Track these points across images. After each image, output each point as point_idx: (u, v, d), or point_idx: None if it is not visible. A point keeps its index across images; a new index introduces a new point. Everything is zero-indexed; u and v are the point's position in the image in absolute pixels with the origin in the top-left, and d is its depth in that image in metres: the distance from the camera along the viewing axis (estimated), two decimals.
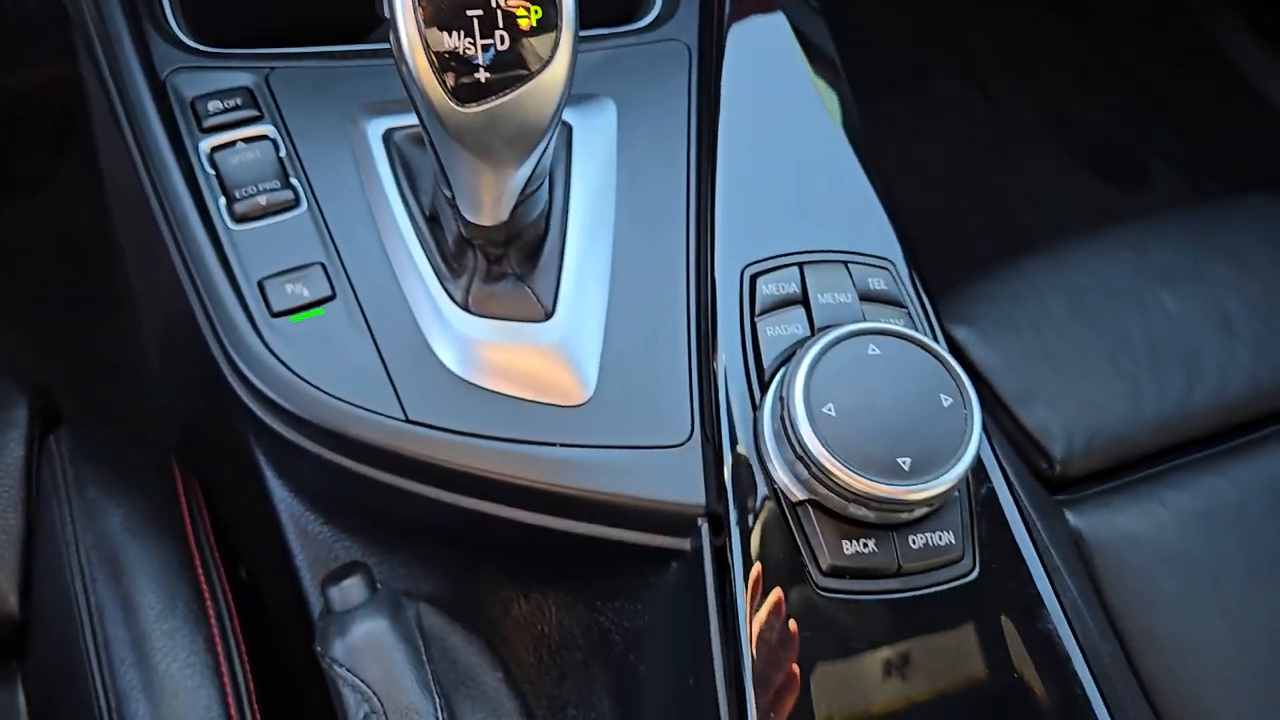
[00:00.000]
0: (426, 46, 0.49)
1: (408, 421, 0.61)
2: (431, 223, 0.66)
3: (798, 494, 0.57)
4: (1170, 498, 0.89)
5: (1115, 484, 0.91)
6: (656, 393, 0.63)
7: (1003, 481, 0.61)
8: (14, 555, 0.76)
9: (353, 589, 0.60)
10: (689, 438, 0.61)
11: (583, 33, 0.76)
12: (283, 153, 0.67)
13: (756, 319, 0.63)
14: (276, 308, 0.63)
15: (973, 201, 1.61)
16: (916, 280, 0.67)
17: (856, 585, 0.56)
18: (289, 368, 0.61)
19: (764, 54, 0.77)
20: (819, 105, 0.75)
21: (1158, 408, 0.93)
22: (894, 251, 0.67)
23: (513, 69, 0.51)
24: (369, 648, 0.58)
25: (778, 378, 0.59)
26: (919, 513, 0.56)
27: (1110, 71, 1.75)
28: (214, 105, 0.68)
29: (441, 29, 0.49)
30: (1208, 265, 1.01)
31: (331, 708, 0.61)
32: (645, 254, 0.67)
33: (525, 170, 0.56)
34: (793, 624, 0.55)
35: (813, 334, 0.61)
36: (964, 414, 0.55)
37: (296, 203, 0.66)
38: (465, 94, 0.50)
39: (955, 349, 0.96)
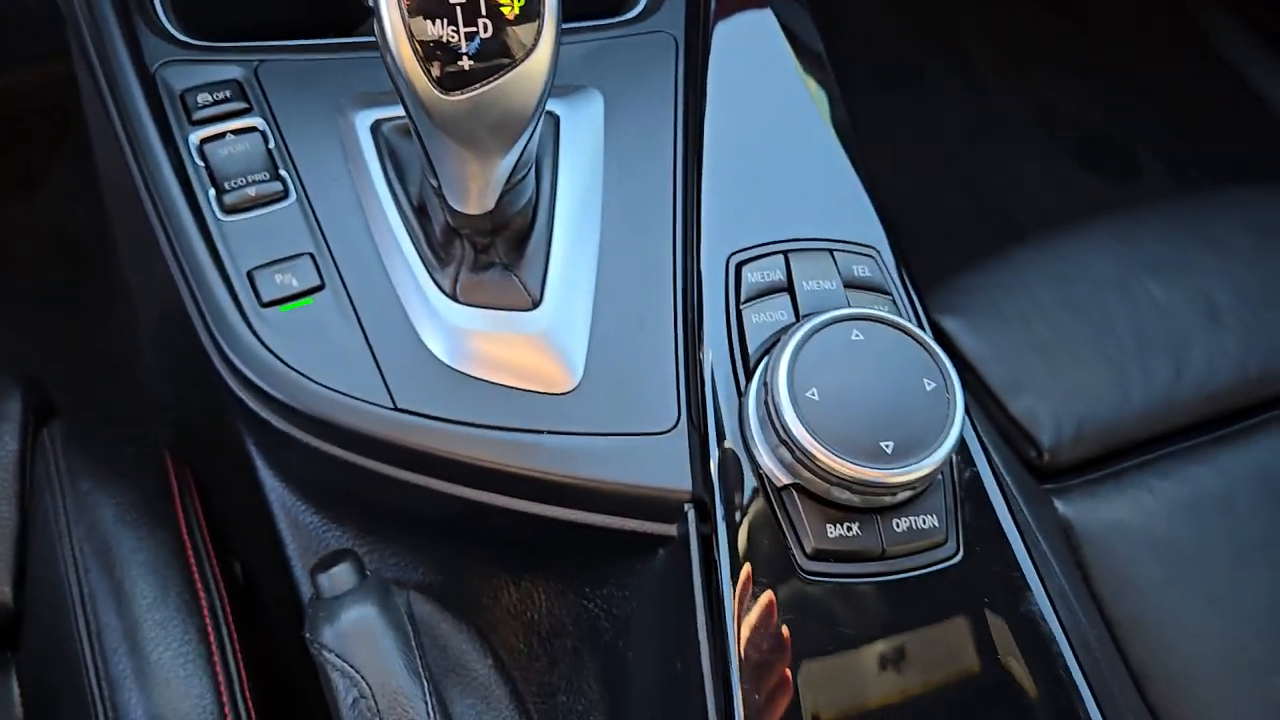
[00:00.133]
0: (410, 35, 0.50)
1: (396, 410, 0.61)
2: (419, 213, 0.66)
3: (782, 478, 0.57)
4: (1158, 486, 0.90)
5: (1103, 473, 0.91)
6: (643, 380, 0.63)
7: (987, 466, 0.62)
8: (8, 547, 0.76)
9: (341, 575, 0.61)
10: (675, 424, 0.62)
11: (570, 25, 0.77)
12: (272, 144, 0.68)
13: (742, 306, 0.64)
14: (266, 298, 0.63)
15: (964, 194, 1.62)
16: (901, 267, 0.68)
17: (841, 568, 0.56)
18: (278, 357, 0.62)
19: (750, 46, 0.77)
20: (805, 96, 0.75)
21: (1145, 397, 0.94)
22: (879, 239, 0.68)
23: (496, 57, 0.51)
24: (357, 633, 0.58)
25: (762, 364, 0.59)
26: (902, 496, 0.56)
27: (1100, 66, 1.76)
28: (203, 98, 0.68)
29: (425, 17, 0.50)
30: (1195, 255, 1.01)
31: (323, 697, 0.61)
32: (632, 243, 0.68)
33: (510, 159, 0.56)
34: (777, 607, 0.56)
35: (797, 321, 0.62)
36: (947, 398, 0.56)
37: (285, 194, 0.66)
38: (450, 82, 0.51)
39: (944, 339, 0.96)
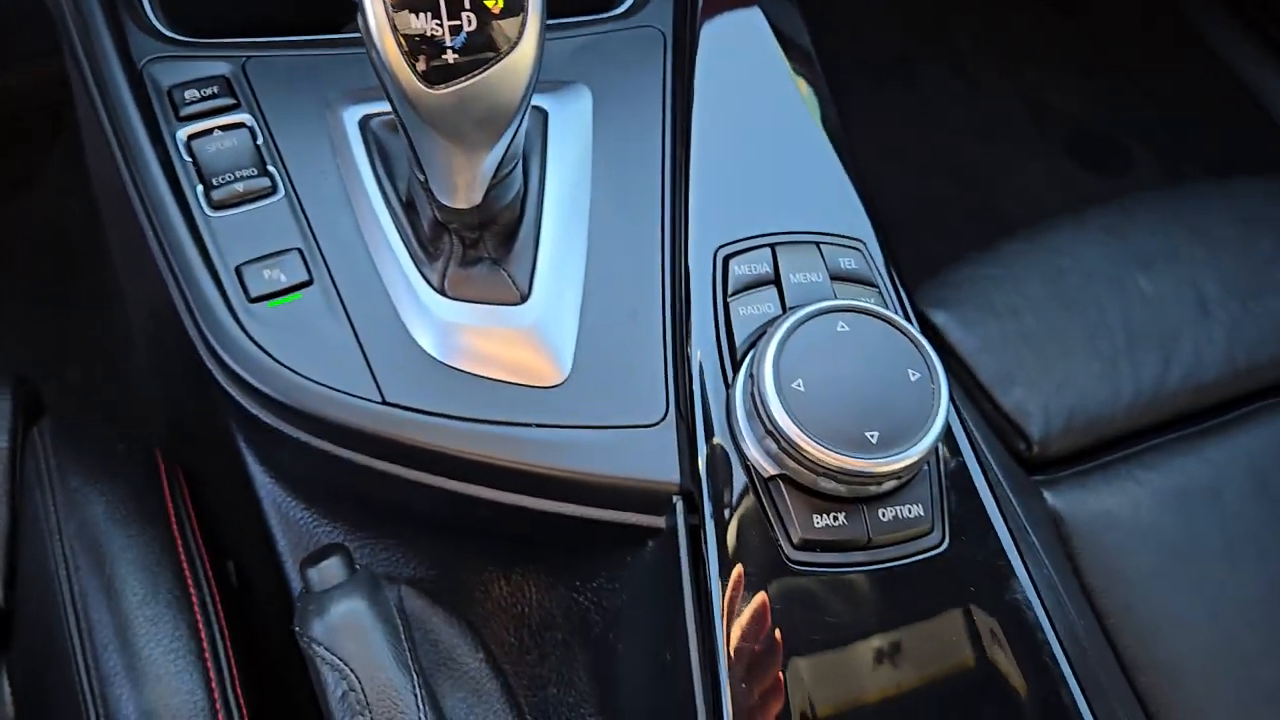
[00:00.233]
0: (395, 29, 0.50)
1: (385, 404, 0.61)
2: (408, 208, 0.66)
3: (769, 469, 0.57)
4: (1147, 477, 0.90)
5: (1092, 464, 0.92)
6: (632, 373, 0.63)
7: (973, 456, 0.62)
8: None
9: (331, 569, 0.61)
10: (664, 417, 0.62)
11: (559, 20, 0.78)
12: (260, 140, 0.68)
13: (729, 299, 0.64)
14: (254, 293, 0.63)
15: (955, 188, 1.62)
16: (888, 260, 0.68)
17: (827, 558, 0.57)
18: (267, 352, 0.62)
19: (738, 41, 0.77)
20: (792, 91, 0.76)
21: (1135, 388, 0.94)
22: (865, 232, 0.68)
23: (481, 51, 0.51)
24: (346, 626, 0.58)
25: (749, 356, 0.60)
26: (888, 486, 0.57)
27: (1092, 59, 1.76)
28: (191, 94, 0.69)
29: (409, 11, 0.50)
30: (1184, 247, 1.01)
31: (314, 691, 0.61)
32: (621, 237, 0.68)
33: (497, 152, 0.56)
34: (765, 597, 0.56)
35: (784, 313, 0.62)
36: (931, 388, 0.56)
37: (274, 190, 0.66)
38: (435, 76, 0.51)
39: (935, 332, 0.96)
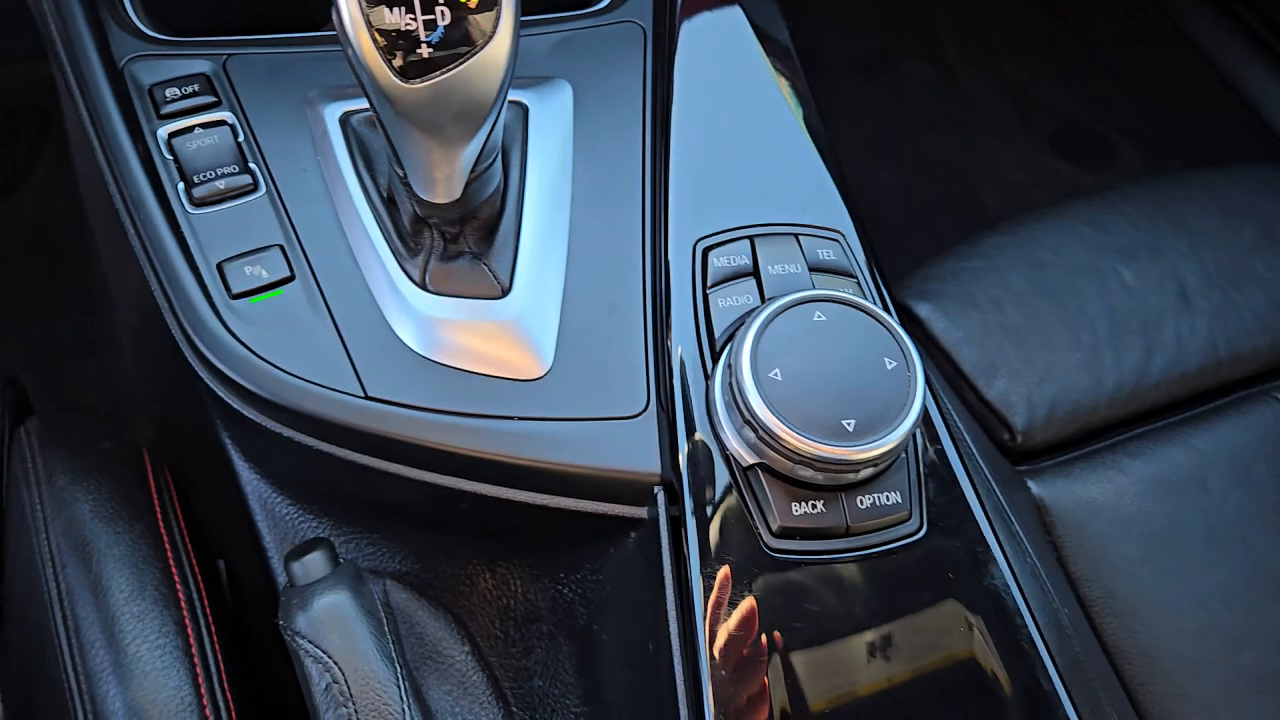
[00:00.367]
0: (369, 25, 0.50)
1: (367, 398, 0.62)
2: (388, 204, 0.67)
3: (748, 458, 0.58)
4: (1129, 466, 0.91)
5: (1076, 454, 0.92)
6: (613, 365, 0.64)
7: (951, 444, 0.63)
8: None
9: (314, 563, 0.61)
10: (645, 408, 0.63)
11: (539, 16, 0.78)
12: (240, 138, 0.68)
13: (709, 291, 0.64)
14: (236, 289, 0.64)
15: (938, 182, 1.63)
16: (867, 251, 0.68)
17: (806, 545, 0.57)
18: (249, 348, 0.62)
19: (717, 35, 0.78)
20: (771, 84, 0.76)
21: (1117, 378, 0.95)
22: (844, 223, 0.69)
23: (456, 45, 0.52)
24: (329, 619, 0.59)
25: (728, 347, 0.60)
26: (866, 473, 0.57)
27: (1075, 53, 1.77)
28: (171, 92, 0.69)
29: (384, 6, 0.50)
30: (1166, 239, 1.02)
31: (300, 687, 0.62)
32: (601, 231, 0.68)
33: (475, 146, 0.57)
34: (744, 585, 0.57)
35: (763, 304, 0.62)
36: (907, 376, 0.56)
37: (255, 187, 0.67)
38: (410, 71, 0.52)
39: (918, 324, 0.97)
